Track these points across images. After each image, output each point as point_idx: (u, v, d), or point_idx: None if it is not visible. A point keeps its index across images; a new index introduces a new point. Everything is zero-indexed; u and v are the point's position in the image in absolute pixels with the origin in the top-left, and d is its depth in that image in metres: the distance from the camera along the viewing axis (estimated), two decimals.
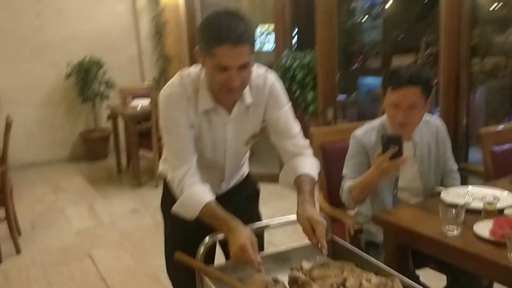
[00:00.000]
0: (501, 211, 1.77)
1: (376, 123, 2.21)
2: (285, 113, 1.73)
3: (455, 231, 1.67)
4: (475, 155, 3.48)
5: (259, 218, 1.95)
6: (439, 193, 2.03)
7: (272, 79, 1.70)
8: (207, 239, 1.55)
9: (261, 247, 1.81)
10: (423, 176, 2.16)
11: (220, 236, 1.54)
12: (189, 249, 1.55)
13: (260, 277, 1.42)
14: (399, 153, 1.88)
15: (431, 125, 2.21)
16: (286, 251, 1.63)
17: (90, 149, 6.52)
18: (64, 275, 3.31)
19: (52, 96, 6.42)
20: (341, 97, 4.92)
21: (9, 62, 6.07)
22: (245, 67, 1.47)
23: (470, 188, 2.07)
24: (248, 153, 1.91)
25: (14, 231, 3.67)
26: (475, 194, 1.96)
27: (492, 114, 4.42)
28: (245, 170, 1.95)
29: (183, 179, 1.57)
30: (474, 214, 1.79)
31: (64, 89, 6.43)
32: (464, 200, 1.89)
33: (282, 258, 1.62)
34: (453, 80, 3.32)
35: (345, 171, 2.20)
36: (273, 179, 5.39)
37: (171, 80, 1.63)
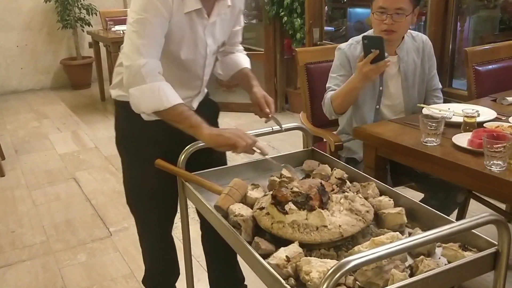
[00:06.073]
0: (480, 125, 1.79)
1: (361, 36, 2.17)
2: (242, 21, 1.79)
3: (434, 142, 1.69)
4: (459, 85, 3.48)
5: None
6: (421, 110, 2.03)
7: None
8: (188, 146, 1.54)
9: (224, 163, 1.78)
10: (406, 93, 2.15)
11: (202, 144, 1.52)
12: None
13: (240, 181, 1.43)
14: (381, 57, 1.84)
15: (417, 41, 2.17)
16: (267, 159, 1.62)
17: (73, 77, 6.40)
18: (49, 196, 3.34)
19: (32, 21, 6.20)
20: (329, 29, 4.81)
21: None
22: None
23: (451, 105, 2.08)
24: None
25: None
26: (457, 112, 1.96)
27: (479, 44, 4.38)
28: None
29: (153, 70, 1.44)
30: (454, 127, 1.80)
31: (44, 13, 6.21)
32: (445, 114, 1.90)
33: (262, 168, 1.63)
34: (442, 5, 3.25)
35: (328, 84, 2.18)
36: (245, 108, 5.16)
37: None
